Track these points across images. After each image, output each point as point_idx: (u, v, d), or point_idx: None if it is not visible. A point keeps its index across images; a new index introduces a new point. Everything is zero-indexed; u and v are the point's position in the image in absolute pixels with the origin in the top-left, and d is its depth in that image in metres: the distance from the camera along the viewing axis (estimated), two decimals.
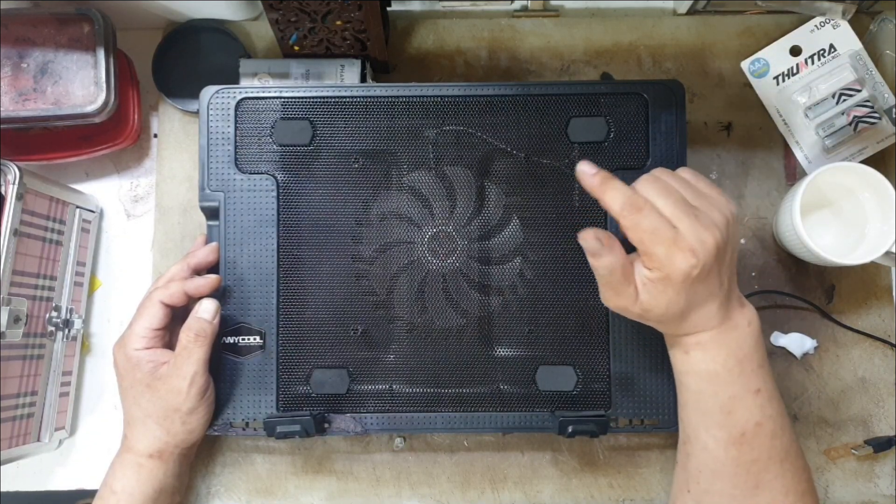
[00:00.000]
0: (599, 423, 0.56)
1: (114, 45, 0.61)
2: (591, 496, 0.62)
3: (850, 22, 0.64)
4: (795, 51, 0.66)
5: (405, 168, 0.59)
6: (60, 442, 0.64)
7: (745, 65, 0.66)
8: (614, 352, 0.57)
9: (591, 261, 0.47)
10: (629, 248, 0.47)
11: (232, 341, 0.58)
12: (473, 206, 0.58)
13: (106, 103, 0.60)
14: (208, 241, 0.59)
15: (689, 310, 0.47)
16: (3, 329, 0.55)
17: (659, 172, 0.49)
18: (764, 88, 0.66)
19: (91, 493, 0.62)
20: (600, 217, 0.58)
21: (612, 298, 0.48)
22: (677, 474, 0.53)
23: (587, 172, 0.48)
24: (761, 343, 0.50)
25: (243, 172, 0.58)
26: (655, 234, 0.45)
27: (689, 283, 0.45)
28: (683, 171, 0.50)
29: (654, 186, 0.47)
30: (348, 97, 0.59)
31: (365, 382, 0.58)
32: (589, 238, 0.47)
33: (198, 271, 0.58)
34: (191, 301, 0.56)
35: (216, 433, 0.58)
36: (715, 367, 0.48)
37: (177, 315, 0.57)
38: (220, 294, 0.57)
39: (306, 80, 0.63)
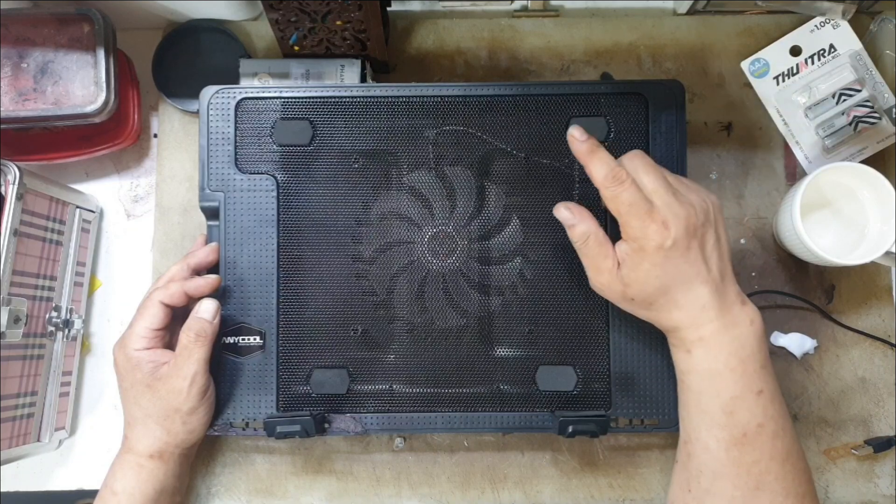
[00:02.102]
0: (599, 423, 0.56)
1: (114, 45, 0.61)
2: (591, 496, 0.62)
3: (850, 22, 0.64)
4: (795, 51, 0.65)
5: (405, 168, 0.59)
6: (60, 442, 0.64)
7: (745, 65, 0.66)
8: (614, 352, 0.57)
9: (569, 234, 0.51)
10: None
11: (232, 341, 0.58)
12: (473, 207, 0.58)
13: (106, 103, 0.59)
14: (208, 241, 0.59)
15: (671, 286, 0.48)
16: (3, 329, 0.55)
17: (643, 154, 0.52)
18: (764, 88, 0.66)
19: (91, 494, 0.62)
20: (600, 216, 0.57)
21: (595, 277, 0.51)
22: (677, 474, 0.53)
23: (577, 138, 0.51)
24: (764, 343, 0.50)
25: (243, 172, 0.58)
26: (633, 206, 0.48)
27: (662, 255, 0.47)
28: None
29: (639, 162, 0.50)
30: (348, 97, 0.59)
31: (365, 382, 0.58)
32: (561, 209, 0.52)
33: (198, 271, 0.58)
34: (191, 301, 0.56)
35: (216, 433, 0.58)
36: (717, 366, 0.48)
37: (177, 315, 0.57)
38: (220, 294, 0.57)
39: (306, 80, 0.63)
